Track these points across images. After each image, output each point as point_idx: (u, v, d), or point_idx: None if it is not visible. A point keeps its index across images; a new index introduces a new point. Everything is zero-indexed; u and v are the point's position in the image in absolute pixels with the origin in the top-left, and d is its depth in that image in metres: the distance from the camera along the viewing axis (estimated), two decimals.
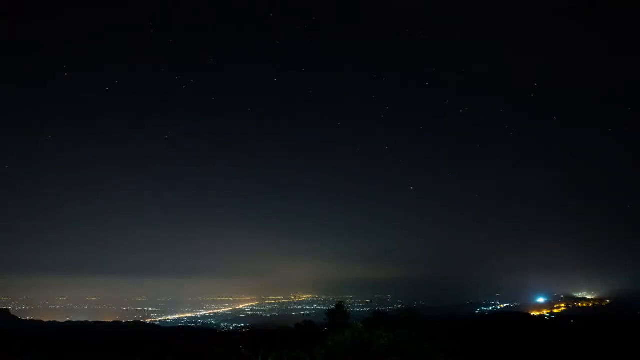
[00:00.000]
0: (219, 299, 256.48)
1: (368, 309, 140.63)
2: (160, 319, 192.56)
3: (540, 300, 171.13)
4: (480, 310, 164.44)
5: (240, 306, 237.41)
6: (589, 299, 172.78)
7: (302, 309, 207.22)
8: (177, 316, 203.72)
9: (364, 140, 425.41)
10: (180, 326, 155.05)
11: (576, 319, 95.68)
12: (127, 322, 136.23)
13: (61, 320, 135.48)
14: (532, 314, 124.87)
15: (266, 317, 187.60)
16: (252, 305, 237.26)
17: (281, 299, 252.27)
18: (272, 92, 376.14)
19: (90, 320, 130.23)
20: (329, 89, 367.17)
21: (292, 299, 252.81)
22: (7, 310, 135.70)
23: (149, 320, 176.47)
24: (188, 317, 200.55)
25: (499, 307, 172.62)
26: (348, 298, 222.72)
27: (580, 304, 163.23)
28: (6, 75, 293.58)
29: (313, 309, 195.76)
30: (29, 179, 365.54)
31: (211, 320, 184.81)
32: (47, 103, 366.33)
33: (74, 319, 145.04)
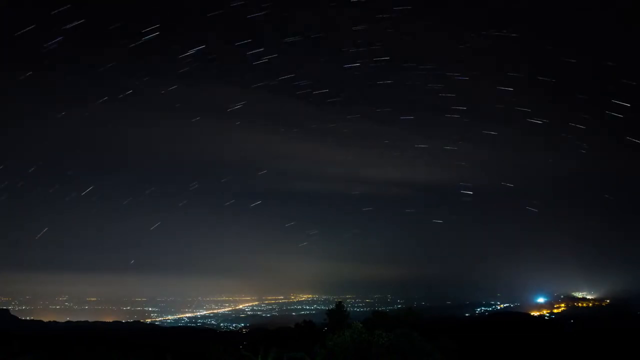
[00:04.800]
0: (219, 299, 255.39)
1: (368, 309, 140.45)
2: (160, 319, 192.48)
3: (540, 300, 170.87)
4: (480, 310, 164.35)
5: (240, 306, 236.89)
6: (589, 299, 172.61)
7: (302, 309, 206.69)
8: (177, 316, 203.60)
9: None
10: (180, 326, 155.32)
11: (576, 319, 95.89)
12: (127, 322, 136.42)
13: (61, 320, 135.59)
14: (532, 314, 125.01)
15: (266, 317, 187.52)
16: (252, 305, 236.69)
17: (281, 299, 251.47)
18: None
19: (90, 320, 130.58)
20: None
21: (292, 299, 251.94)
22: (7, 310, 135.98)
23: (149, 320, 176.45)
24: (188, 317, 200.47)
25: (499, 307, 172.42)
26: (348, 298, 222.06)
27: (580, 304, 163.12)
28: None
29: (313, 309, 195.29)
30: (28, 179, 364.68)
31: (211, 320, 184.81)
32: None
33: (74, 319, 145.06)
